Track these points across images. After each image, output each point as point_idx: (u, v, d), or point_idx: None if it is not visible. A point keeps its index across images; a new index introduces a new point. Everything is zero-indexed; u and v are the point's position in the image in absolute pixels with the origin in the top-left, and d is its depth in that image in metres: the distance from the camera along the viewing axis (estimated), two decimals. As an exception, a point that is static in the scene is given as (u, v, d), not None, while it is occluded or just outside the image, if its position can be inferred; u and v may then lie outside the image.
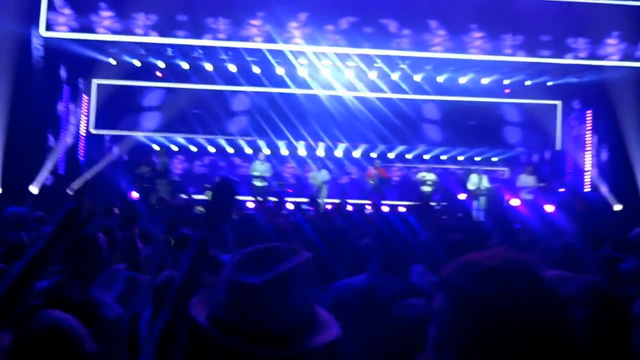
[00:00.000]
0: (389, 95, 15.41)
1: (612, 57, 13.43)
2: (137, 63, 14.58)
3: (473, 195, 13.98)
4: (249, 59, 14.02)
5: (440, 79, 14.97)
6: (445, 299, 1.06)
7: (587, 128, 15.43)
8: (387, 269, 2.76)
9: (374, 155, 15.49)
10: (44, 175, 12.98)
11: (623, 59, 13.47)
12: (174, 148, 15.84)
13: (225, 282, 1.33)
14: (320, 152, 15.81)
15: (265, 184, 13.94)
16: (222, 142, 15.76)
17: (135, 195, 13.03)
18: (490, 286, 0.99)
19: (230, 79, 15.11)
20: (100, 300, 2.59)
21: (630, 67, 13.37)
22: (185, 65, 14.67)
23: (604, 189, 14.50)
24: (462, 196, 14.04)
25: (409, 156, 16.11)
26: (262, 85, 15.19)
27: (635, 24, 13.34)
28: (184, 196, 13.60)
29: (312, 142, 15.59)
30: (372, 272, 2.81)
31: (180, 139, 15.65)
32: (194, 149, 15.98)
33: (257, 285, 1.27)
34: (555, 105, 16.23)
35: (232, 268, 1.33)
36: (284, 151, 15.87)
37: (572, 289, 1.84)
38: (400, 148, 15.94)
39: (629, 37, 13.48)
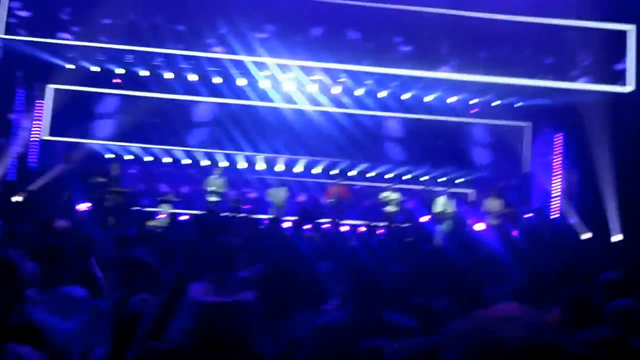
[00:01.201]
0: (353, 111, 15.09)
1: (583, 80, 13.33)
2: (96, 69, 14.18)
3: (437, 218, 13.57)
4: (210, 69, 13.78)
5: (405, 96, 14.65)
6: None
7: (557, 152, 15.17)
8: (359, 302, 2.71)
9: (335, 172, 15.15)
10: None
11: (594, 82, 13.37)
12: (130, 157, 15.31)
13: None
14: (280, 167, 15.39)
15: (219, 199, 13.42)
16: (179, 153, 15.27)
17: (86, 205, 12.49)
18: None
19: (190, 89, 14.68)
20: (43, 324, 2.40)
21: (603, 92, 13.20)
22: (144, 73, 14.28)
23: (572, 216, 14.22)
24: (425, 218, 13.67)
25: (371, 174, 15.75)
26: (223, 96, 14.78)
27: (606, 48, 13.27)
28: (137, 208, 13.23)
29: (271, 157, 15.25)
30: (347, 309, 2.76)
31: (136, 148, 15.15)
32: (149, 159, 15.42)
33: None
34: (523, 128, 15.96)
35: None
36: (243, 164, 15.38)
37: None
38: (363, 166, 15.56)
39: (600, 60, 13.40)
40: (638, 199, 12.37)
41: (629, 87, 13.19)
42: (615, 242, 12.46)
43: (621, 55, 13.28)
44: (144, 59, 13.57)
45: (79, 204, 12.53)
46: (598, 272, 5.76)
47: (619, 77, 13.31)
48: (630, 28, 13.19)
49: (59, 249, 3.79)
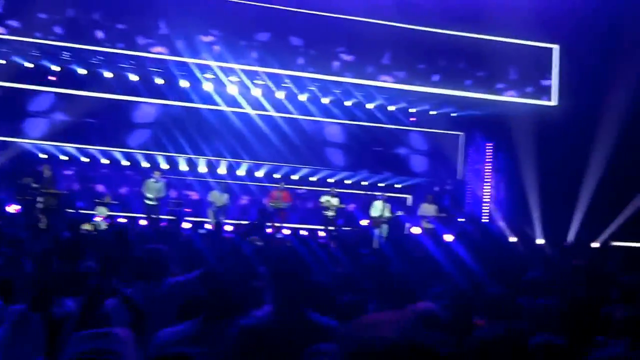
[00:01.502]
0: (296, 116, 15.28)
1: (512, 93, 14.04)
2: (29, 65, 13.55)
3: (375, 222, 13.90)
4: (152, 69, 13.55)
5: (347, 103, 14.92)
6: None
7: (487, 160, 15.91)
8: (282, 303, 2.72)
9: (277, 176, 15.24)
10: None
11: (522, 96, 14.13)
12: (64, 158, 14.75)
13: None
14: (222, 170, 15.30)
15: (157, 203, 13.17)
16: (117, 154, 14.88)
17: (15, 208, 11.96)
18: None
19: (131, 90, 14.35)
20: None
21: (530, 105, 14.01)
22: (82, 71, 13.79)
23: (500, 221, 14.93)
24: (364, 222, 13.97)
25: (313, 179, 15.92)
26: (165, 98, 14.61)
27: (534, 64, 14.06)
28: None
29: (214, 160, 15.16)
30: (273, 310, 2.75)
31: (71, 148, 14.64)
32: (85, 159, 14.94)
33: None
34: (458, 136, 16.66)
35: None
36: (184, 167, 15.19)
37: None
38: (305, 170, 15.74)
39: (528, 76, 14.18)
40: (559, 206, 13.22)
41: (553, 102, 14.10)
42: (538, 245, 13.16)
43: (547, 71, 14.15)
44: (82, 57, 13.17)
45: (7, 205, 11.96)
46: (522, 273, 6.18)
47: (544, 92, 14.18)
48: (555, 47, 14.11)
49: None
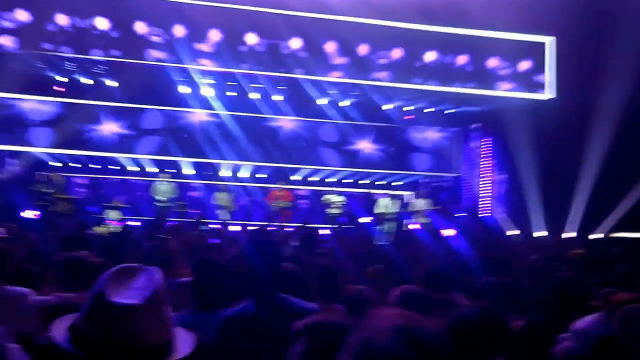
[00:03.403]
0: (294, 118, 15.63)
1: (508, 88, 14.16)
2: (36, 76, 13.81)
3: (379, 219, 14.10)
4: (153, 76, 13.76)
5: (343, 103, 15.14)
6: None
7: (485, 155, 16.07)
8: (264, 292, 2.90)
9: (278, 177, 15.42)
10: None
11: (518, 90, 14.25)
12: (75, 165, 15.14)
13: (96, 303, 1.34)
14: (225, 172, 15.60)
15: (167, 204, 13.53)
16: (124, 160, 15.25)
17: (33, 213, 12.27)
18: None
19: (135, 97, 14.69)
20: None
21: (526, 99, 14.13)
22: (85, 81, 14.14)
23: (500, 214, 15.09)
24: (366, 220, 14.16)
25: (314, 178, 16.17)
26: (165, 104, 15.00)
27: (529, 58, 14.19)
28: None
29: (217, 163, 15.48)
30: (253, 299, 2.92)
31: (80, 156, 15.09)
32: (95, 166, 15.33)
33: (137, 306, 1.31)
34: (455, 133, 16.84)
35: (99, 290, 1.34)
36: (189, 171, 15.51)
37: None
38: (306, 170, 16.00)
39: (523, 70, 14.31)
40: (558, 198, 13.35)
41: (549, 95, 14.23)
42: (538, 238, 13.26)
43: (542, 65, 14.28)
44: (86, 67, 13.53)
45: (24, 210, 12.30)
46: (523, 262, 6.36)
47: (540, 86, 14.31)
48: (549, 39, 14.23)
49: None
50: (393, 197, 14.44)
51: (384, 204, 14.16)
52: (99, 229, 12.04)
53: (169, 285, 3.80)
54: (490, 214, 15.35)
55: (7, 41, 12.29)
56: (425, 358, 1.10)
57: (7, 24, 12.24)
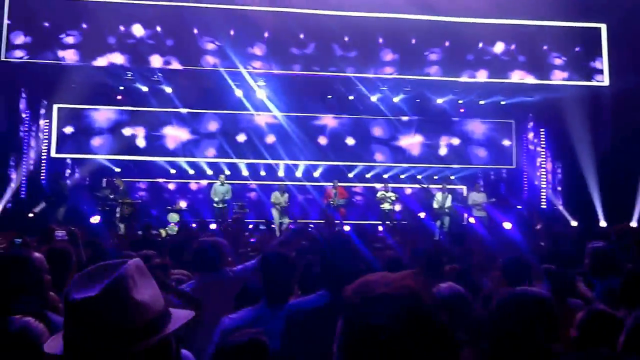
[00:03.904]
0: (347, 115, 15.80)
1: (560, 76, 13.89)
2: (97, 87, 14.47)
3: (435, 213, 14.11)
4: (208, 82, 14.15)
5: (396, 99, 15.14)
6: (341, 322, 1.12)
7: (542, 145, 15.80)
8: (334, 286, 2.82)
9: (333, 175, 15.47)
10: (5, 199, 12.94)
11: (573, 78, 13.96)
12: (135, 170, 15.70)
13: (64, 307, 1.37)
14: (281, 172, 15.85)
15: (225, 205, 13.93)
16: (183, 164, 15.73)
17: (97, 218, 12.90)
18: (377, 315, 1.04)
19: (192, 102, 15.19)
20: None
21: (579, 86, 13.84)
22: (144, 88, 14.65)
23: (559, 206, 14.80)
24: (421, 215, 14.16)
25: (368, 175, 16.23)
26: (221, 108, 15.36)
27: (583, 45, 13.88)
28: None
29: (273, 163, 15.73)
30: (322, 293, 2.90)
31: (141, 161, 15.64)
32: (156, 171, 15.85)
33: (93, 297, 1.32)
34: (510, 124, 16.61)
35: (67, 292, 1.37)
36: (244, 172, 15.83)
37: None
38: (360, 167, 16.09)
39: (577, 58, 14.00)
40: (619, 186, 13.00)
41: (604, 82, 13.88)
42: (601, 228, 12.99)
43: (596, 52, 13.94)
44: (143, 75, 13.99)
45: (92, 216, 12.93)
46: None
47: (595, 73, 13.97)
48: (603, 26, 13.88)
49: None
50: (448, 191, 14.34)
51: (440, 198, 14.15)
52: (161, 231, 12.56)
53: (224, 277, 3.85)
54: (548, 205, 15.08)
55: (69, 54, 12.94)
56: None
57: (69, 39, 12.83)
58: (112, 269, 1.40)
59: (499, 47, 13.90)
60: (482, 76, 13.88)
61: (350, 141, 16.11)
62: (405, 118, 16.05)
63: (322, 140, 16.02)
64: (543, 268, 4.29)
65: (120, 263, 1.42)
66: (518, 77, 13.94)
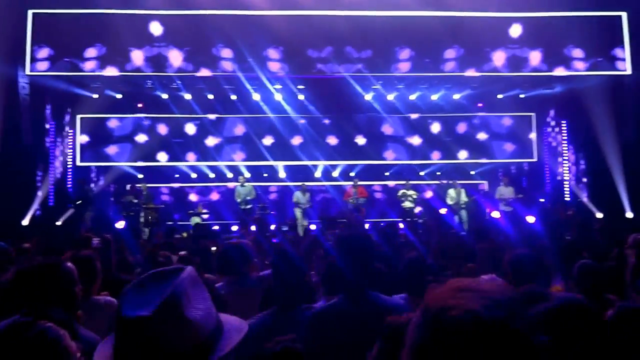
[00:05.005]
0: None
1: (580, 66, 13.68)
2: (118, 96, 14.86)
3: (453, 210, 14.05)
4: (225, 87, 14.36)
5: (412, 96, 15.10)
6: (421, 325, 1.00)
7: (563, 138, 15.59)
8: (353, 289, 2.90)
9: (352, 174, 15.56)
10: (33, 208, 13.25)
11: (593, 68, 13.73)
12: (157, 176, 15.93)
13: (115, 321, 1.34)
14: (318, 173, 15.98)
15: (250, 206, 14.08)
16: (204, 168, 15.93)
17: (122, 223, 13.14)
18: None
19: (210, 107, 15.38)
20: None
21: (599, 76, 13.58)
22: (164, 96, 14.87)
23: (583, 198, 14.60)
24: (443, 211, 14.12)
25: (387, 173, 16.22)
26: (238, 112, 15.51)
27: (603, 34, 13.65)
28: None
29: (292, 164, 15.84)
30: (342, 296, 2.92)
31: (162, 167, 15.91)
32: (177, 176, 16.10)
33: (147, 317, 1.29)
34: (530, 117, 16.42)
35: (119, 305, 1.34)
36: (281, 173, 15.98)
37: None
38: (395, 165, 16.24)
39: (597, 47, 13.77)
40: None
41: (627, 71, 13.63)
42: (628, 219, 12.76)
43: (617, 40, 13.70)
44: (163, 83, 14.25)
45: (117, 222, 13.18)
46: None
47: (617, 62, 13.72)
48: (623, 14, 13.64)
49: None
50: (462, 186, 14.30)
51: (454, 194, 14.10)
52: (184, 235, 12.73)
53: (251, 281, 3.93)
54: (572, 198, 14.88)
55: (91, 65, 13.17)
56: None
57: (90, 51, 13.06)
58: (166, 279, 1.37)
59: (517, 40, 13.68)
60: (500, 70, 13.72)
61: (360, 140, 16.24)
62: (414, 116, 16.04)
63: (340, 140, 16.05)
64: (579, 263, 4.07)
65: (174, 273, 1.40)
66: (537, 69, 13.75)
